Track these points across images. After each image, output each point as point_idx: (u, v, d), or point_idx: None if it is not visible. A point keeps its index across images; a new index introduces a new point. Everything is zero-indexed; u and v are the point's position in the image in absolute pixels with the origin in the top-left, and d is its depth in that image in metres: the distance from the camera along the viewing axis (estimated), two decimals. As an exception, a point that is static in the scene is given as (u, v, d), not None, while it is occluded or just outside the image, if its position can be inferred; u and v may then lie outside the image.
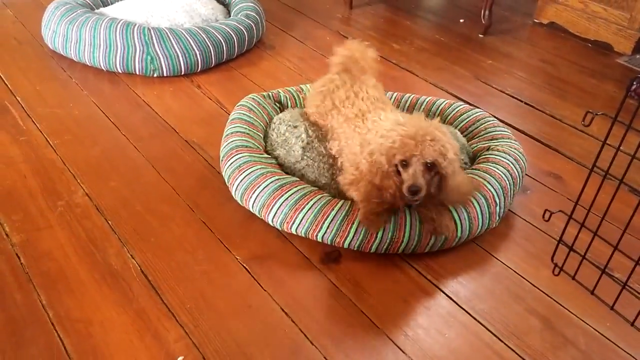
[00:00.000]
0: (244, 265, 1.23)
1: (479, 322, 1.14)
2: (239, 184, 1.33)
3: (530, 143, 1.76)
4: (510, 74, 2.18)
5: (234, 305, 1.13)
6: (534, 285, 1.24)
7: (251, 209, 1.33)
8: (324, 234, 1.25)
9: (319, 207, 1.25)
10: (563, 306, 1.20)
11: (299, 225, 1.26)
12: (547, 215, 1.22)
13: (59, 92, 1.81)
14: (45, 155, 1.52)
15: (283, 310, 1.13)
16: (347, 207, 1.25)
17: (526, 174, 1.59)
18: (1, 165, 1.46)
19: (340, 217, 1.24)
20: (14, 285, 1.13)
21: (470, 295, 1.21)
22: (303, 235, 1.28)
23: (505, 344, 1.10)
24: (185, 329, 1.07)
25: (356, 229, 1.23)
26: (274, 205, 1.27)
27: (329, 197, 1.28)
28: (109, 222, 1.31)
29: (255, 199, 1.30)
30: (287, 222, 1.27)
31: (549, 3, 2.55)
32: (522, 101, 1.99)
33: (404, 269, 1.26)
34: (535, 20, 2.64)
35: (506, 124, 1.83)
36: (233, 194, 1.36)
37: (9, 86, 1.81)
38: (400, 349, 1.07)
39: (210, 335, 1.07)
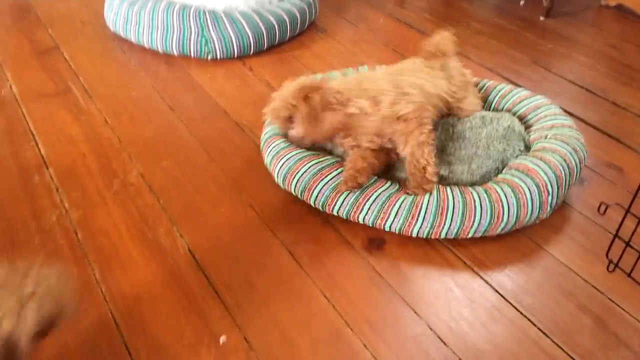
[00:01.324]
0: (288, 248, 1.24)
1: (526, 317, 1.11)
2: (279, 170, 1.35)
3: (591, 132, 1.68)
4: (572, 58, 2.08)
5: (277, 288, 1.15)
6: (586, 282, 1.20)
7: (293, 192, 1.34)
8: (365, 215, 1.25)
9: (361, 190, 1.26)
10: (617, 305, 1.15)
11: (340, 207, 1.27)
12: (602, 208, 1.17)
13: (118, 73, 1.88)
14: (104, 134, 1.58)
15: (324, 295, 1.14)
16: (390, 189, 1.27)
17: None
18: (63, 144, 1.53)
19: (383, 199, 1.25)
20: (71, 260, 1.19)
21: (518, 289, 1.17)
22: (344, 217, 1.29)
23: (553, 341, 1.07)
24: (229, 309, 1.10)
25: (397, 212, 1.23)
26: (315, 189, 1.29)
27: (373, 178, 1.29)
28: (160, 201, 1.36)
29: (296, 183, 1.31)
30: (329, 205, 1.28)
31: (619, -17, 2.41)
32: (583, 87, 1.90)
33: (448, 259, 1.24)
34: (602, 3, 2.50)
35: (564, 111, 1.75)
36: (275, 179, 1.38)
37: (73, 67, 1.89)
38: (442, 341, 1.06)
39: (252, 317, 1.09)
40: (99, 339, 1.04)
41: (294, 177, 1.32)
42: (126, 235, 1.26)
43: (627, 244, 1.17)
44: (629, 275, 1.19)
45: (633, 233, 1.15)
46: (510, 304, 1.14)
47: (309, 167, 1.31)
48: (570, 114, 1.75)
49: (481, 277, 1.20)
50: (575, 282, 1.20)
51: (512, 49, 2.13)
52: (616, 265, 1.21)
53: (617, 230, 1.19)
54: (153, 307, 1.10)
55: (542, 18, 2.37)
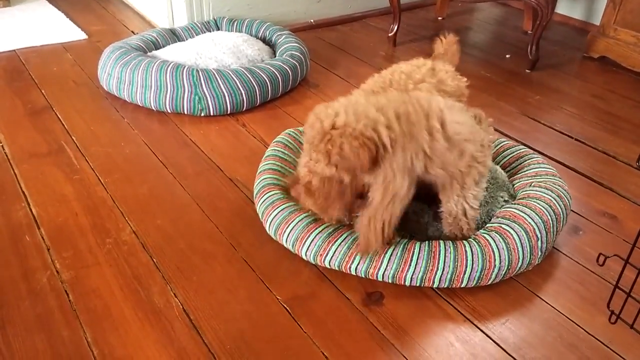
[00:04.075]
0: (285, 305, 1.22)
1: (529, 371, 1.09)
2: (272, 220, 1.35)
3: (582, 181, 1.69)
4: (560, 109, 2.13)
5: (274, 347, 1.12)
6: (588, 333, 1.18)
7: (285, 244, 1.33)
8: (357, 265, 1.24)
9: (352, 239, 1.26)
10: (621, 356, 1.12)
11: (332, 257, 1.26)
12: (601, 259, 1.17)
13: (111, 131, 1.88)
14: (96, 193, 1.57)
15: (323, 353, 1.11)
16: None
17: (578, 214, 1.54)
18: (55, 203, 1.52)
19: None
20: (62, 322, 1.16)
21: (519, 342, 1.15)
22: (337, 268, 1.27)
23: (558, 396, 1.04)
24: (225, 370, 1.07)
25: (389, 259, 1.23)
26: (307, 238, 1.28)
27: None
28: (154, 259, 1.34)
29: (289, 233, 1.31)
30: (321, 255, 1.27)
31: (599, 37, 2.50)
32: (572, 137, 1.93)
33: (447, 311, 1.22)
34: (585, 55, 2.58)
35: (555, 161, 1.78)
36: (267, 229, 1.37)
37: (66, 126, 1.90)
38: (445, 398, 1.03)
39: (249, 378, 1.05)
40: (89, 406, 1.00)
41: (287, 227, 1.32)
42: (119, 295, 1.23)
43: (629, 294, 1.16)
44: (631, 326, 1.18)
45: (634, 283, 1.14)
46: (513, 358, 1.12)
47: (302, 218, 1.31)
48: (561, 164, 1.77)
49: (482, 331, 1.18)
50: (577, 333, 1.18)
51: (501, 101, 2.18)
52: (618, 316, 1.19)
53: (618, 281, 1.18)
54: (146, 370, 1.06)
55: (528, 71, 2.44)
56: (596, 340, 1.16)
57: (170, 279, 1.28)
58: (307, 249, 1.29)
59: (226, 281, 1.28)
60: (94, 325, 1.15)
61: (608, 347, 1.15)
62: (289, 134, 1.63)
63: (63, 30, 2.70)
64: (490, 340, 1.15)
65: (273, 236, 1.36)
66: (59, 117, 1.95)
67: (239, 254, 1.36)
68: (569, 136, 1.94)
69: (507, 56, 2.59)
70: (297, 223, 1.31)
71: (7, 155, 1.72)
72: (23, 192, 1.56)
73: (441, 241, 1.26)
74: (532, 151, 1.58)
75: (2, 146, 1.77)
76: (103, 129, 1.89)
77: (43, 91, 2.12)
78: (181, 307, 1.20)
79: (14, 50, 2.46)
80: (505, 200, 1.41)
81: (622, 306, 1.18)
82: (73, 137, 1.83)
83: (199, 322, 1.17)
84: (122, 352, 1.10)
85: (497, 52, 2.63)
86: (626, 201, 1.60)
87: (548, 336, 1.17)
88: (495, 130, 1.95)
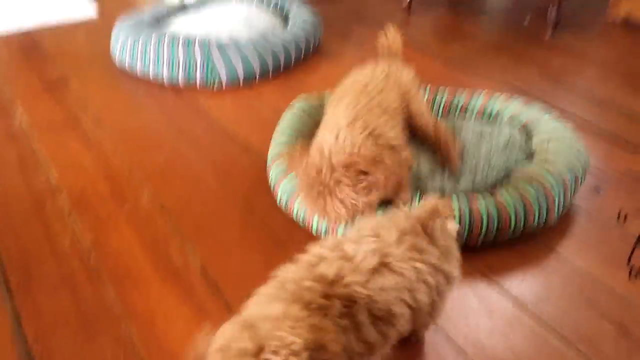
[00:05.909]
0: (302, 264, 1.23)
1: (547, 325, 1.08)
2: (284, 189, 1.31)
3: (605, 140, 1.66)
4: (582, 71, 2.08)
5: (292, 304, 1.13)
6: (608, 289, 1.17)
7: (294, 217, 1.30)
8: None
9: None
10: (641, 310, 1.12)
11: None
12: (622, 215, 1.15)
13: (126, 104, 1.90)
14: (114, 161, 1.59)
15: (340, 309, 1.12)
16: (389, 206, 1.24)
17: (599, 173, 1.51)
18: (74, 171, 1.54)
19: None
20: (85, 282, 1.19)
21: (537, 298, 1.15)
22: None
23: (575, 348, 1.04)
24: (244, 325, 1.08)
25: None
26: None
27: None
28: (172, 222, 1.35)
29: (299, 208, 1.27)
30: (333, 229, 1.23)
31: (622, -2, 2.43)
32: (595, 98, 1.89)
33: (465, 268, 1.21)
34: (608, 17, 2.52)
35: (578, 120, 1.75)
36: (278, 201, 1.34)
37: (81, 99, 1.92)
38: (463, 350, 1.03)
39: (267, 333, 1.07)
40: (116, 355, 1.03)
41: (297, 200, 1.28)
42: (139, 256, 1.25)
43: (648, 248, 1.15)
44: (651, 280, 1.17)
45: (654, 237, 1.13)
46: (530, 312, 1.11)
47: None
48: (584, 123, 1.73)
49: (500, 286, 1.17)
50: (596, 289, 1.17)
51: (520, 64, 2.14)
52: (639, 271, 1.18)
53: (638, 237, 1.17)
54: (168, 323, 1.09)
55: (549, 33, 2.38)
56: (615, 295, 1.15)
57: (188, 240, 1.30)
58: (319, 223, 1.25)
59: (243, 244, 1.29)
60: (116, 283, 1.18)
61: (628, 301, 1.13)
62: (306, 99, 1.61)
63: (75, 7, 2.71)
64: (508, 296, 1.15)
65: (284, 209, 1.33)
66: (75, 90, 1.98)
67: (255, 219, 1.37)
68: (591, 97, 1.90)
69: (527, 19, 2.53)
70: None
71: (26, 127, 1.75)
72: (43, 162, 1.58)
73: (455, 200, 1.24)
74: (545, 110, 1.55)
75: (22, 118, 1.80)
76: (118, 101, 1.91)
77: (58, 65, 2.14)
78: (199, 265, 1.22)
79: (28, 28, 2.48)
80: (523, 159, 1.39)
81: (642, 261, 1.17)
82: (89, 109, 1.86)
83: (217, 280, 1.19)
84: (144, 307, 1.12)
85: (516, 16, 2.58)
86: (649, 160, 1.58)
87: (566, 292, 1.16)
88: (515, 92, 1.92)
